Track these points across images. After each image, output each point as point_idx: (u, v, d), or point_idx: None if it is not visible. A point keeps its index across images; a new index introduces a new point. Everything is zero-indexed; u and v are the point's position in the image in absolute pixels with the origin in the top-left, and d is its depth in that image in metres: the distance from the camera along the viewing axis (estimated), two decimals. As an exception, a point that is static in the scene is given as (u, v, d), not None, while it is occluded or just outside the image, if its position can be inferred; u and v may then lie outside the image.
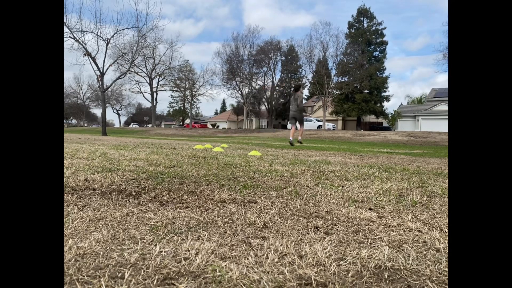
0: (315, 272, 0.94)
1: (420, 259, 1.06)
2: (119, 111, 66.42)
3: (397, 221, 1.50)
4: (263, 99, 49.83)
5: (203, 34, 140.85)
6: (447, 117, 34.15)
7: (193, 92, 47.50)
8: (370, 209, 1.71)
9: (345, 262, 1.02)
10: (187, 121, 59.36)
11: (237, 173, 2.87)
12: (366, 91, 41.01)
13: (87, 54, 21.32)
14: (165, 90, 49.67)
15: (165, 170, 2.89)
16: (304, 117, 9.78)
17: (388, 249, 1.13)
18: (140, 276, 0.89)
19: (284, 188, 2.21)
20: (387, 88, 42.25)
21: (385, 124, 46.49)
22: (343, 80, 40.49)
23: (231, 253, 1.07)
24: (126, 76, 35.66)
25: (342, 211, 1.63)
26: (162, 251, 1.06)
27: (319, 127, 33.58)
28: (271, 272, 0.94)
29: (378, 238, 1.26)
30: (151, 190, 2.02)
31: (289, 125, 12.63)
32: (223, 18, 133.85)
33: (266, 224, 1.39)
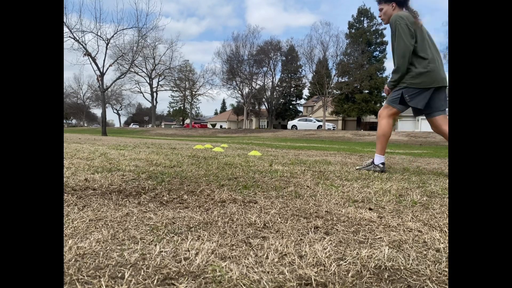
0: (315, 272, 0.94)
1: (420, 259, 1.06)
2: (119, 111, 66.51)
3: (397, 221, 1.50)
4: (263, 99, 49.83)
5: (206, 33, 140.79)
6: (447, 117, 33.96)
7: (193, 92, 47.48)
8: (370, 209, 1.71)
9: (345, 262, 1.02)
10: (187, 121, 59.38)
11: (237, 173, 2.87)
12: (366, 91, 41.02)
13: (87, 54, 21.33)
14: (165, 90, 49.72)
15: (165, 170, 2.88)
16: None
17: (388, 249, 1.13)
18: (140, 276, 0.89)
19: (284, 188, 2.21)
20: (387, 88, 42.19)
21: (385, 124, 46.35)
22: (343, 80, 40.51)
23: (231, 253, 1.07)
24: (126, 76, 35.71)
25: (342, 211, 1.63)
26: (162, 251, 1.06)
27: (319, 127, 33.55)
28: (271, 272, 0.94)
29: (378, 238, 1.26)
30: (151, 190, 2.01)
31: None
32: (226, 17, 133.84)
33: (266, 224, 1.39)
